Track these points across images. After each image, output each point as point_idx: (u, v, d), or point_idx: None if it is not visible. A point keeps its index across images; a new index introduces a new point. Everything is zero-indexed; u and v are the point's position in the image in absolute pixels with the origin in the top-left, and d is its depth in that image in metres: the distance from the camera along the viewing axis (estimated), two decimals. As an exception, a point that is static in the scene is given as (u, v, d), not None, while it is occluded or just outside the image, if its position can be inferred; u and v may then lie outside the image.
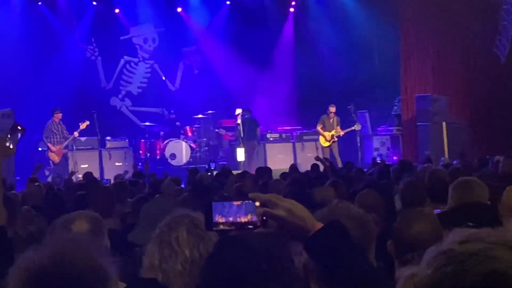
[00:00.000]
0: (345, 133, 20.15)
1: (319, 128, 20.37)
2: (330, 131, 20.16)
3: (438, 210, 5.76)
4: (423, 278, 1.58)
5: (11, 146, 4.90)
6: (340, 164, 18.29)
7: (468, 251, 1.55)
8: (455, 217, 4.79)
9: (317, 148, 20.74)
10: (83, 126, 19.16)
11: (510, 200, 5.58)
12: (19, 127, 5.13)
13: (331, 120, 20.27)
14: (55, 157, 18.97)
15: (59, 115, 19.11)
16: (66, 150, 19.33)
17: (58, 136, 19.00)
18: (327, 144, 20.14)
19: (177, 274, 3.48)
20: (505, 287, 1.50)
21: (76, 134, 19.14)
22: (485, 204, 5.92)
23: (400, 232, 4.06)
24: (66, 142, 19.11)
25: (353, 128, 20.08)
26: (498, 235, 1.59)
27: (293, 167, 14.61)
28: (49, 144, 18.93)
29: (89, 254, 2.02)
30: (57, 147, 18.92)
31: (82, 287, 1.97)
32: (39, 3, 21.74)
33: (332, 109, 20.25)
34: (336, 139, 20.11)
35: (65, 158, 19.26)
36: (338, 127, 20.10)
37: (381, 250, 3.71)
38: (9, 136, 4.93)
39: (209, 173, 14.62)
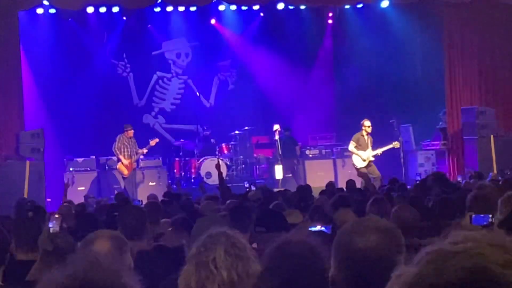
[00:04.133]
0: (383, 152, 18.95)
1: (352, 147, 18.88)
2: (364, 151, 18.76)
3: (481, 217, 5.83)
4: (408, 276, 1.54)
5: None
6: (379, 183, 17.60)
7: (455, 249, 1.52)
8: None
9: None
10: (152, 142, 19.12)
11: None
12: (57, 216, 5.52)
13: (366, 139, 18.85)
14: (124, 171, 18.79)
15: (131, 133, 18.97)
16: (135, 165, 19.15)
17: (129, 150, 18.79)
18: (364, 165, 18.80)
19: None
20: (487, 282, 1.45)
21: (145, 150, 19.04)
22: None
23: None
24: (136, 157, 18.96)
25: (391, 146, 18.87)
26: (492, 236, 1.55)
27: (331, 184, 14.49)
28: (120, 156, 18.77)
29: (113, 272, 1.92)
30: (129, 161, 18.73)
31: None
32: (69, 19, 21.28)
33: (367, 123, 18.83)
34: (373, 158, 18.83)
35: (133, 174, 19.00)
36: (371, 147, 18.83)
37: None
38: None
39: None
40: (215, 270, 3.45)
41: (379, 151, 18.82)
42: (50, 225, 5.30)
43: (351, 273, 2.79)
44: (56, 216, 5.34)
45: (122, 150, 18.76)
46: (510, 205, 5.88)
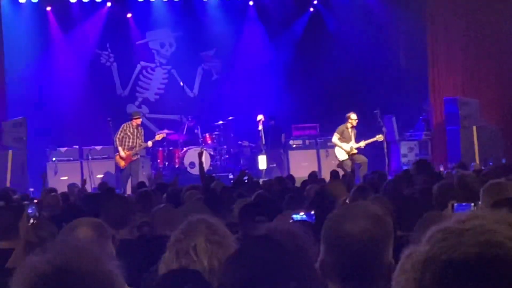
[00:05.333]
0: (366, 145, 18.97)
1: (336, 139, 18.91)
2: (347, 143, 18.77)
3: (463, 205, 5.92)
4: (420, 254, 1.58)
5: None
6: (366, 170, 17.70)
7: (465, 227, 1.56)
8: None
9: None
10: (158, 137, 18.91)
11: None
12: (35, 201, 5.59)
13: (350, 131, 18.87)
14: (121, 162, 18.27)
15: (138, 121, 18.50)
16: (137, 157, 18.59)
17: (130, 141, 18.28)
18: (346, 157, 18.78)
19: None
20: (500, 257, 1.49)
21: (150, 143, 18.67)
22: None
23: (418, 236, 3.87)
24: (137, 150, 18.42)
25: (375, 139, 18.89)
26: (498, 214, 1.59)
27: (313, 175, 14.37)
28: (119, 148, 18.21)
29: (94, 258, 1.95)
30: (128, 153, 18.18)
31: None
32: (48, 8, 21.14)
33: (354, 116, 18.83)
34: (355, 151, 18.87)
35: (134, 165, 18.46)
36: (354, 139, 18.84)
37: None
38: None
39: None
40: (196, 257, 3.44)
41: (362, 144, 18.82)
42: (29, 210, 5.29)
43: (339, 258, 2.80)
44: (35, 201, 5.35)
45: (123, 140, 18.23)
46: (492, 195, 5.91)
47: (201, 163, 13.61)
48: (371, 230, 2.81)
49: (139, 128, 18.50)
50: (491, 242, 1.51)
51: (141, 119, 18.67)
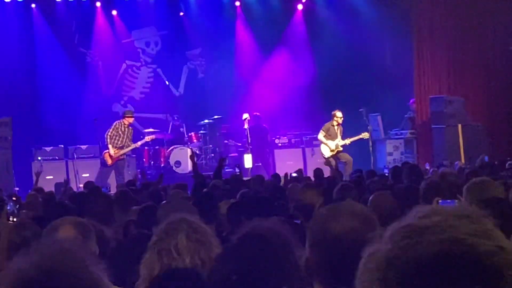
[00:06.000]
0: (351, 142, 19.07)
1: (321, 136, 19.02)
2: (333, 141, 18.88)
3: (447, 202, 5.92)
4: (381, 254, 1.56)
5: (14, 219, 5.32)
6: (351, 169, 17.72)
7: (426, 224, 1.54)
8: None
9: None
10: (148, 138, 18.99)
11: None
12: (14, 198, 5.68)
13: (336, 129, 18.99)
14: (108, 160, 18.38)
15: (130, 119, 18.56)
16: (124, 157, 18.69)
17: (119, 140, 18.35)
18: (331, 154, 18.89)
19: None
20: (461, 254, 1.48)
21: (138, 144, 18.81)
22: (504, 199, 5.90)
23: None
24: (125, 150, 18.46)
25: (360, 136, 19.00)
26: (458, 208, 1.59)
27: (298, 172, 14.51)
28: (109, 146, 18.32)
29: (80, 261, 1.92)
30: (116, 152, 18.27)
31: None
32: (33, 6, 21.05)
33: (339, 114, 18.97)
34: (341, 148, 19.00)
35: (120, 164, 18.53)
36: (340, 137, 18.99)
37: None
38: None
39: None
40: (178, 256, 3.44)
41: (347, 141, 18.89)
42: (8, 207, 5.29)
43: (325, 257, 2.78)
44: (14, 198, 5.37)
45: (114, 138, 18.33)
46: (474, 193, 5.95)
47: (194, 164, 13.57)
48: (357, 229, 2.79)
49: (130, 127, 18.55)
50: (452, 240, 1.50)
51: (133, 118, 18.73)
